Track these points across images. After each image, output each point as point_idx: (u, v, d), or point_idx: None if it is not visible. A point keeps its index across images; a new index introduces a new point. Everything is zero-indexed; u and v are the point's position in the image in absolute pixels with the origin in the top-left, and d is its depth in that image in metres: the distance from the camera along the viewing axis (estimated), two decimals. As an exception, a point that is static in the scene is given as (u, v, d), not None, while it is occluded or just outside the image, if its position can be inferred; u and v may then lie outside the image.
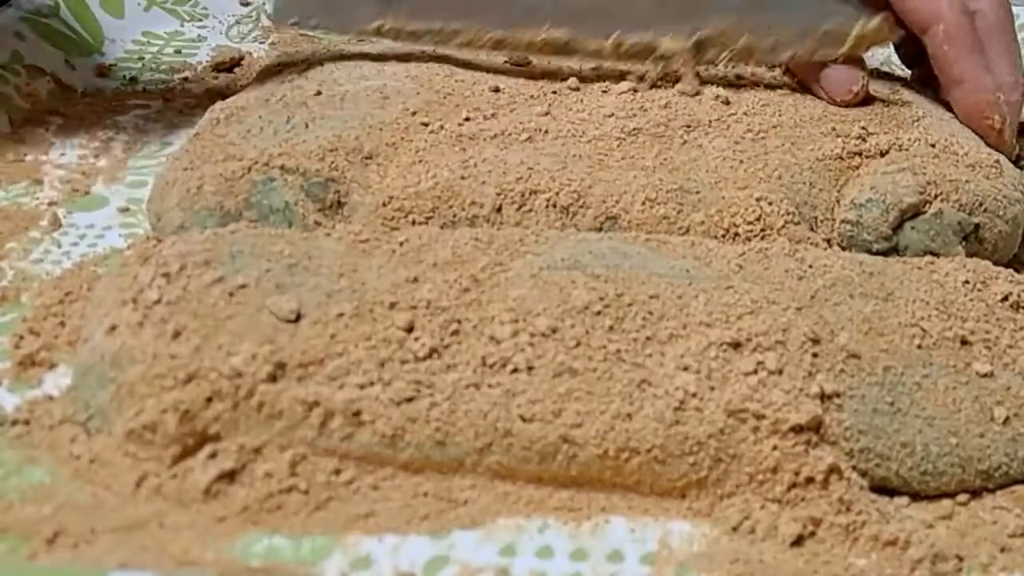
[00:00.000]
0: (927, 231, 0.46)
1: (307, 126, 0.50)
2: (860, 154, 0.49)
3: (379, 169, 0.48)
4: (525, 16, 0.52)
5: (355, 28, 0.54)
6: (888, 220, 0.46)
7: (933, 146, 0.49)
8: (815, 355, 0.38)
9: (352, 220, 0.47)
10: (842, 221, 0.47)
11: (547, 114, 0.51)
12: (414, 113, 0.51)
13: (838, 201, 0.48)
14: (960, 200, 0.47)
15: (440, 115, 0.51)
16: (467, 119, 0.51)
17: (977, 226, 0.47)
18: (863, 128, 0.50)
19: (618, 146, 0.49)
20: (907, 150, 0.49)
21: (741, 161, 0.48)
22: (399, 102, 0.52)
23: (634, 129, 0.50)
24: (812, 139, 0.50)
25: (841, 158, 0.49)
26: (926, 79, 0.55)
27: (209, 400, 0.37)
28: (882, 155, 0.49)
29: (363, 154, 0.48)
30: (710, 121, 0.51)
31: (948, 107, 0.53)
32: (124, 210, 0.52)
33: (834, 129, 0.50)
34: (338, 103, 0.52)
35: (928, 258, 0.44)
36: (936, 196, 0.47)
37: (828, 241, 0.47)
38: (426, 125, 0.50)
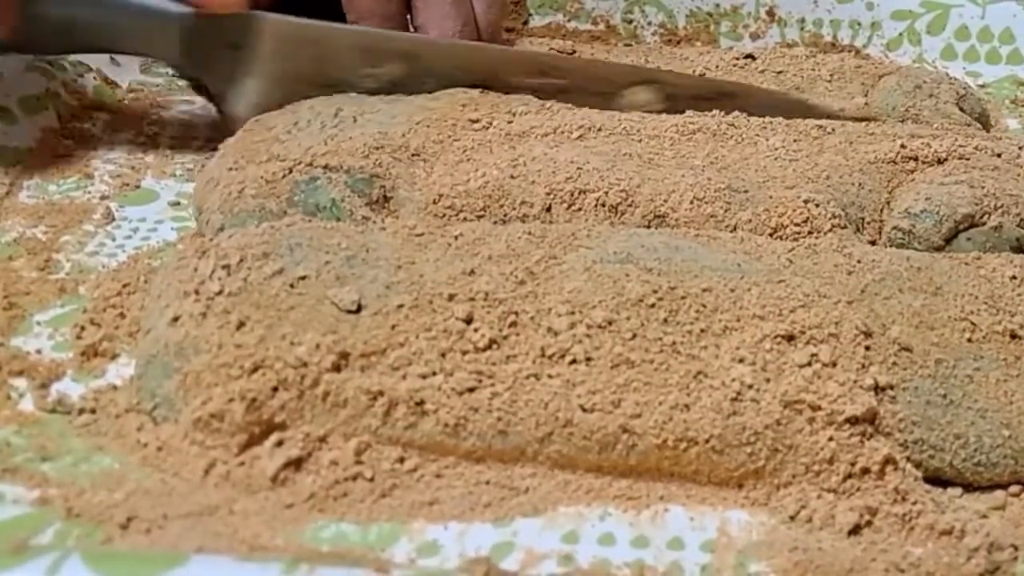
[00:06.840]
0: (983, 243, 0.46)
1: (355, 120, 0.50)
2: (916, 159, 0.49)
3: (425, 165, 0.48)
4: None
5: None
6: (941, 232, 0.46)
7: (999, 156, 0.49)
8: (868, 348, 0.39)
9: (399, 216, 0.47)
10: (893, 228, 0.46)
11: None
12: (463, 106, 0.51)
13: (887, 203, 0.47)
14: (1021, 215, 0.46)
15: (490, 109, 0.51)
16: (516, 115, 0.51)
17: None
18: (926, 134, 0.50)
19: (671, 144, 0.49)
20: (967, 159, 0.49)
21: (792, 160, 0.48)
22: (446, 94, 0.52)
23: (695, 129, 0.50)
24: (872, 139, 0.50)
25: (895, 162, 0.49)
26: None
27: (275, 389, 0.37)
28: (940, 162, 0.49)
29: (410, 151, 0.49)
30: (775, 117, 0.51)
31: None
32: (175, 204, 0.52)
33: (895, 131, 0.51)
34: (387, 95, 0.52)
35: (975, 253, 0.44)
36: (996, 208, 0.46)
37: (873, 243, 0.47)
38: (475, 121, 0.51)
